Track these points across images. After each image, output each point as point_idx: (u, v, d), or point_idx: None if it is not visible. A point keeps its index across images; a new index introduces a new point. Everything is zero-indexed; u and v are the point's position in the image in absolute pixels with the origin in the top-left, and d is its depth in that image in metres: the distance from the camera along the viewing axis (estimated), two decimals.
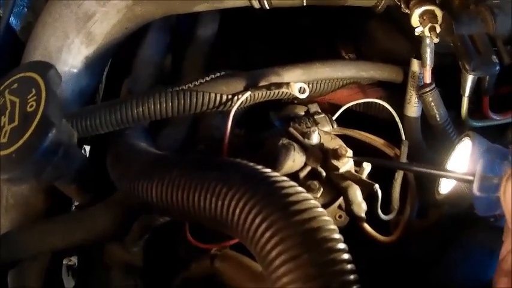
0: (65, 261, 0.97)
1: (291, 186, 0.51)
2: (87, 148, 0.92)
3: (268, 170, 0.54)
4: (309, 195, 0.51)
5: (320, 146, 0.67)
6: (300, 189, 0.51)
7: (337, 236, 0.47)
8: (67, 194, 0.76)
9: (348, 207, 0.64)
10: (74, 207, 0.90)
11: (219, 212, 0.52)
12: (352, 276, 0.44)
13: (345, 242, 0.47)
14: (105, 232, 0.69)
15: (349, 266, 0.45)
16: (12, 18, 0.91)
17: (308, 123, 0.77)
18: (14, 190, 0.78)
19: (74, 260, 1.15)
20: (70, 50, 0.79)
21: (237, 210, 0.50)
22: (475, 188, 0.48)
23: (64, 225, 0.72)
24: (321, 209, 0.49)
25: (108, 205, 0.69)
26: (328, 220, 0.48)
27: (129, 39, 0.84)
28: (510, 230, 0.44)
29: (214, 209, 0.52)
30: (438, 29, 0.66)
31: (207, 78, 0.73)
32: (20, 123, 0.64)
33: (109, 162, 0.72)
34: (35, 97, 0.65)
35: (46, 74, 0.67)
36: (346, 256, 0.46)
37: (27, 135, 0.62)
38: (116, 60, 0.91)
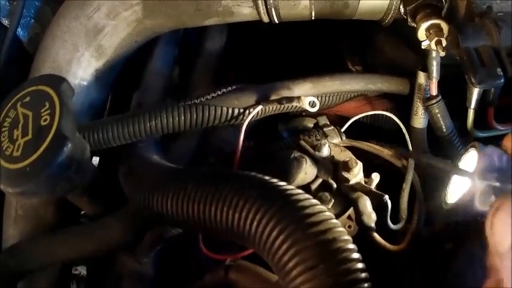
0: None
1: (306, 199, 0.52)
2: (96, 159, 0.91)
3: (283, 183, 0.55)
4: (323, 207, 0.52)
5: (330, 158, 0.68)
6: (315, 201, 0.52)
7: (351, 246, 0.48)
8: (78, 205, 0.76)
9: (358, 217, 0.65)
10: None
11: (235, 224, 0.53)
12: (366, 284, 0.46)
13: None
14: (116, 243, 0.69)
15: (363, 275, 0.46)
16: (19, 30, 0.91)
17: (318, 135, 0.77)
18: (23, 201, 0.78)
19: (80, 269, 1.15)
20: (80, 62, 0.79)
21: (255, 223, 0.51)
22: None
23: (76, 236, 0.72)
24: (335, 221, 0.51)
25: (120, 216, 0.70)
26: (342, 231, 0.50)
27: (138, 51, 0.84)
28: (494, 267, 0.40)
29: (231, 221, 0.53)
30: (444, 43, 0.67)
31: (219, 92, 0.74)
32: (33, 137, 0.63)
33: (122, 174, 0.72)
34: (48, 111, 0.64)
35: (59, 88, 0.66)
36: (360, 265, 0.47)
37: (41, 149, 0.62)
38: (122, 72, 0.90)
